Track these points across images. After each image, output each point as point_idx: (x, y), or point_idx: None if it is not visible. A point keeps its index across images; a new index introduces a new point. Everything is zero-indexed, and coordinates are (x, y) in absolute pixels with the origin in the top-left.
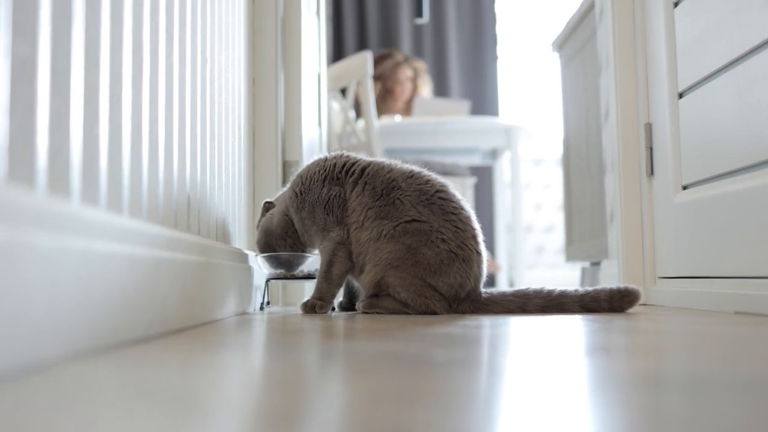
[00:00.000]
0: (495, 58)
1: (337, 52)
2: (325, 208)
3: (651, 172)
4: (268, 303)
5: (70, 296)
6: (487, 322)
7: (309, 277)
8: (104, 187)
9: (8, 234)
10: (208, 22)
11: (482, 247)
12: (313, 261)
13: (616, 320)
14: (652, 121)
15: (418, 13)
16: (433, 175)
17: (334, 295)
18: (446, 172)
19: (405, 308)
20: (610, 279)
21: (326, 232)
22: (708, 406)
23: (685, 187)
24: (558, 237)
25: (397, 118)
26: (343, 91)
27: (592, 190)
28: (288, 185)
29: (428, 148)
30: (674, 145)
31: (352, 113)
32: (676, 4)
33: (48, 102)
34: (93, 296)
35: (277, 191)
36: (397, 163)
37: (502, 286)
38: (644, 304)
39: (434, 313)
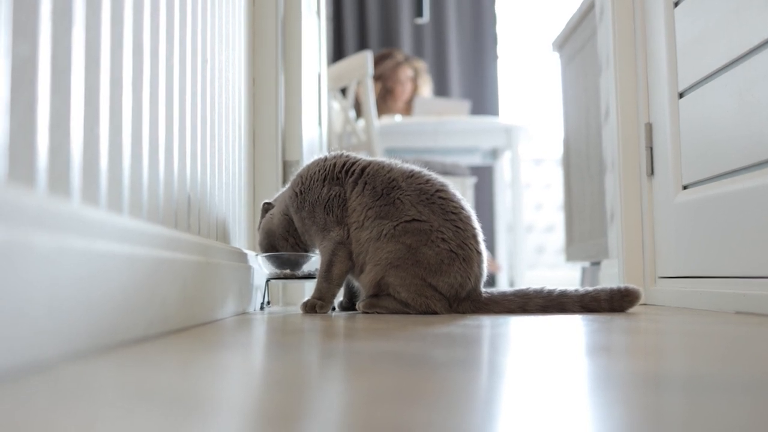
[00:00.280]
0: (495, 57)
1: (338, 52)
2: (325, 207)
3: (651, 171)
4: (269, 303)
5: (71, 296)
6: (487, 321)
7: (309, 276)
8: (104, 187)
9: (8, 234)
10: (209, 23)
11: (482, 247)
12: (313, 261)
13: (617, 320)
14: (653, 120)
15: (419, 12)
16: (433, 175)
17: (334, 295)
18: (446, 171)
19: (405, 308)
20: (610, 279)
21: (326, 231)
22: (708, 406)
23: (685, 187)
24: (558, 237)
25: (398, 118)
26: (344, 91)
27: (592, 190)
28: (287, 185)
29: (428, 147)
30: (674, 145)
31: (352, 113)
32: (676, 4)
33: (48, 102)
34: (93, 296)
35: (277, 191)
36: (397, 162)
37: (503, 285)
38: (644, 304)
39: (434, 312)
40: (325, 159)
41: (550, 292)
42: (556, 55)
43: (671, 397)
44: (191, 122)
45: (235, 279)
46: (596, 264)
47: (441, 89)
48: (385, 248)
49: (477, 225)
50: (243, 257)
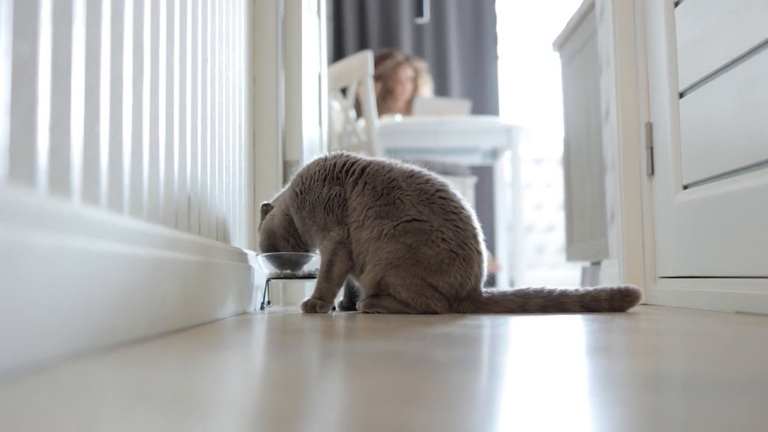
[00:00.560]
0: (495, 57)
1: (338, 52)
2: (325, 207)
3: (651, 171)
4: (269, 303)
5: (71, 296)
6: (487, 321)
7: (309, 276)
8: (105, 187)
9: (9, 233)
10: (209, 22)
11: (483, 247)
12: (313, 260)
13: (617, 320)
14: (653, 120)
15: (419, 12)
16: (434, 175)
17: (334, 295)
18: (447, 171)
19: (405, 308)
20: (610, 279)
21: (326, 231)
22: (708, 406)
23: (685, 187)
24: (558, 237)
25: (398, 118)
26: (344, 91)
27: (592, 190)
28: (287, 185)
29: (429, 147)
30: (675, 145)
31: (352, 113)
32: (676, 4)
33: (49, 102)
34: (93, 296)
35: (277, 191)
36: (397, 162)
37: (503, 285)
38: (645, 304)
39: (435, 312)
40: (326, 159)
41: (550, 292)
42: (557, 54)
43: (671, 397)
44: (191, 122)
45: (235, 279)
46: (596, 264)
47: (441, 89)
48: (386, 248)
49: (477, 225)
50: (243, 257)
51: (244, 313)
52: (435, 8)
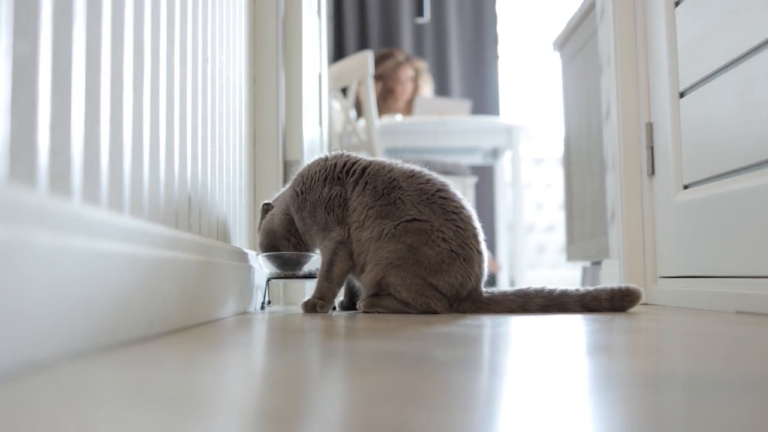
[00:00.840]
0: (496, 57)
1: (338, 52)
2: (326, 207)
3: (652, 171)
4: (269, 302)
5: (71, 295)
6: (488, 321)
7: (310, 276)
8: (105, 187)
9: (9, 233)
10: (209, 22)
11: (483, 247)
12: (314, 260)
13: (617, 320)
14: (653, 120)
15: (419, 12)
16: (434, 175)
17: (335, 295)
18: (447, 171)
19: (406, 307)
20: (611, 278)
21: (327, 231)
22: (708, 406)
23: (686, 187)
24: (559, 236)
25: (398, 118)
26: (344, 91)
27: (593, 190)
28: (288, 185)
29: (429, 147)
30: (675, 145)
31: (353, 113)
32: (677, 4)
33: (49, 101)
34: (94, 295)
35: (277, 191)
36: (397, 162)
37: (503, 285)
38: (645, 304)
39: (435, 312)
40: (326, 159)
41: (550, 292)
42: (557, 54)
43: (672, 396)
44: (192, 122)
45: (235, 278)
46: (597, 263)
47: (442, 89)
48: (386, 248)
49: (478, 225)
50: (244, 257)
51: (245, 312)
52: (435, 8)
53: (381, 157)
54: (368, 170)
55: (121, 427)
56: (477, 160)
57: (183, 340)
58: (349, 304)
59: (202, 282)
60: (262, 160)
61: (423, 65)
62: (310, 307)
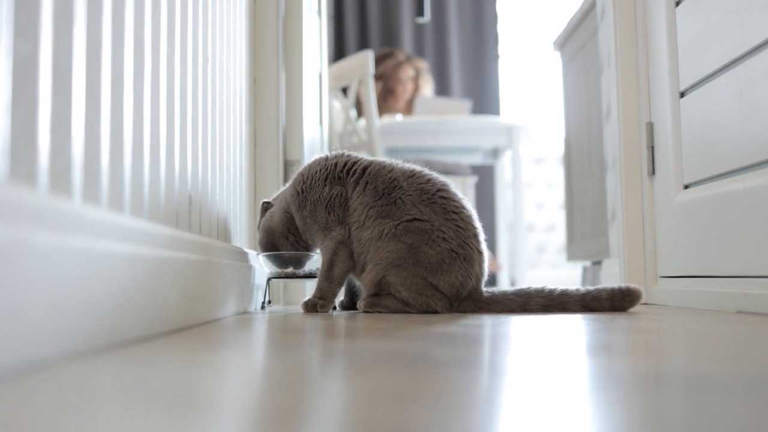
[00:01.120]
0: (496, 57)
1: (339, 52)
2: (326, 207)
3: (652, 171)
4: (269, 302)
5: (71, 295)
6: (488, 321)
7: (310, 276)
8: (106, 186)
9: (9, 232)
10: (210, 22)
11: (483, 246)
12: (314, 260)
13: (618, 320)
14: (654, 120)
15: (420, 12)
16: (435, 175)
17: (335, 294)
18: (447, 171)
19: (406, 307)
20: (611, 278)
21: (327, 231)
22: (709, 406)
23: (686, 187)
24: (559, 236)
25: (399, 118)
26: (345, 91)
27: (593, 189)
28: (288, 184)
29: (429, 147)
30: (675, 145)
31: (353, 112)
32: (677, 4)
33: (49, 101)
34: (94, 295)
35: (278, 190)
36: (398, 162)
37: (504, 285)
38: (645, 304)
39: (435, 312)
40: (327, 158)
41: (551, 292)
42: (557, 54)
43: (672, 396)
44: (192, 121)
45: (236, 278)
46: (597, 263)
47: (442, 89)
48: (386, 247)
49: (478, 224)
50: (244, 256)
51: (245, 312)
52: (436, 8)
53: (381, 157)
54: (369, 170)
55: (121, 427)
56: (477, 159)
57: (183, 340)
58: (350, 304)
59: (203, 282)
60: (263, 160)
61: (423, 65)
62: (311, 307)
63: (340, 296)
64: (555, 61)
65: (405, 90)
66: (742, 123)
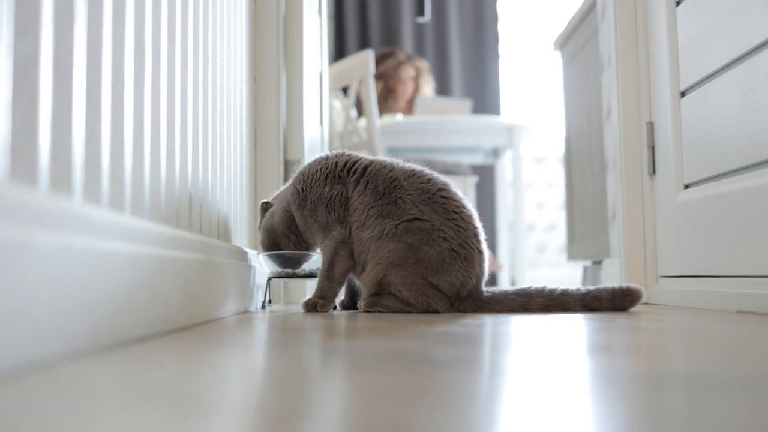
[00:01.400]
0: (497, 56)
1: (339, 51)
2: (326, 206)
3: (653, 170)
4: (270, 301)
5: (72, 295)
6: (488, 320)
7: (310, 275)
8: (106, 186)
9: (9, 232)
10: (210, 21)
11: (484, 246)
12: (314, 259)
13: (618, 319)
14: (654, 119)
15: (420, 11)
16: (435, 174)
17: (335, 294)
18: (448, 170)
19: (406, 307)
20: (611, 278)
21: (328, 230)
22: (709, 406)
23: (686, 186)
24: (560, 236)
25: (399, 117)
26: (345, 90)
27: (593, 189)
28: (288, 183)
29: (430, 146)
30: (676, 144)
31: (353, 112)
32: (678, 3)
33: (50, 100)
34: (94, 295)
35: (278, 190)
36: (398, 162)
37: (504, 284)
38: (646, 303)
39: (436, 311)
40: (327, 158)
41: (551, 291)
42: (558, 54)
43: (672, 396)
44: (193, 121)
45: (236, 278)
46: (598, 263)
47: (442, 88)
48: (387, 247)
49: (478, 224)
50: (244, 256)
51: (246, 312)
52: (436, 7)
53: (382, 157)
54: (369, 169)
55: (121, 427)
56: (478, 159)
57: (183, 340)
58: (350, 304)
59: (203, 281)
60: (263, 160)
61: (424, 64)
62: (311, 307)
63: (341, 296)
64: (555, 61)
65: (405, 89)
66: (742, 123)
